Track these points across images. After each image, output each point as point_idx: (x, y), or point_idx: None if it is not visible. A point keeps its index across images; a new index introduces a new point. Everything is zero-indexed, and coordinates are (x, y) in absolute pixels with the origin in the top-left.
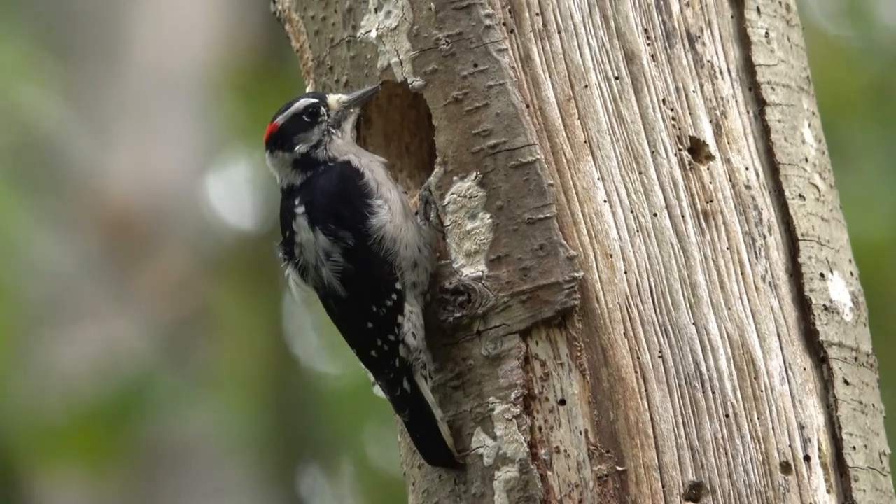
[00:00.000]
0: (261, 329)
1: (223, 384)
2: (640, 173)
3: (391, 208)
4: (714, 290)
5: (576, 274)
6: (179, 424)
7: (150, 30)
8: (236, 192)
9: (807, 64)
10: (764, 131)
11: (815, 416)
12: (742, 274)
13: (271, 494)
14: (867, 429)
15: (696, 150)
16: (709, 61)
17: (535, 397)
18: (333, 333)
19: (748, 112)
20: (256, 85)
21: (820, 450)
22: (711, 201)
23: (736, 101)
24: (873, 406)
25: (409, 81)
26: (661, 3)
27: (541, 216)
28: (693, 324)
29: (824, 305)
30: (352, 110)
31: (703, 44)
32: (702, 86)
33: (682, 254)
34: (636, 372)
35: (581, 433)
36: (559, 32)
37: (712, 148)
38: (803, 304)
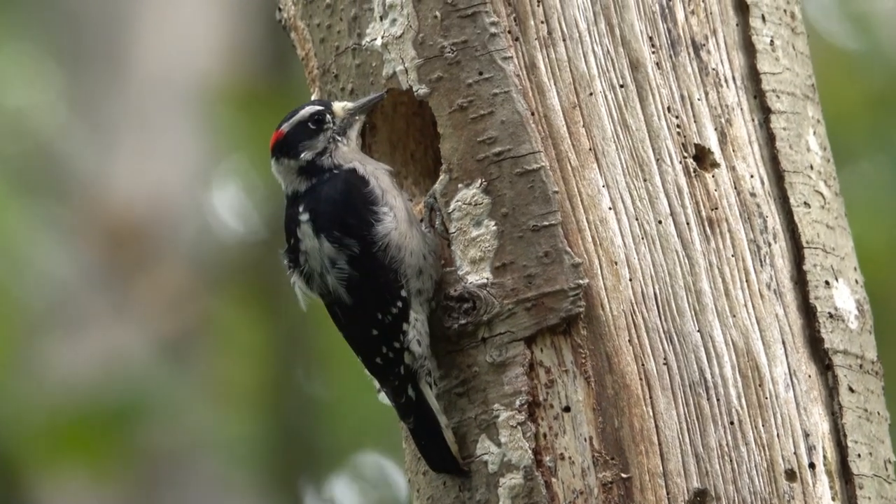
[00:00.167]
0: (262, 337)
1: (224, 392)
2: (645, 181)
3: (396, 216)
4: (719, 297)
5: (581, 281)
6: (180, 432)
7: (153, 38)
8: (238, 201)
9: (812, 72)
10: (769, 139)
11: (820, 424)
12: (747, 281)
13: (272, 503)
14: (872, 436)
15: (701, 157)
16: (714, 69)
17: (540, 404)
18: (336, 341)
19: (753, 120)
20: (259, 94)
21: (825, 457)
22: (716, 209)
23: (741, 108)
24: (878, 413)
25: (414, 89)
26: (666, 11)
27: (546, 223)
28: (698, 331)
29: (829, 313)
30: (357, 118)
31: (708, 52)
32: (707, 93)
33: (686, 261)
34: (641, 379)
35: (586, 440)
36: (564, 40)
37: (717, 155)
38: (808, 312)
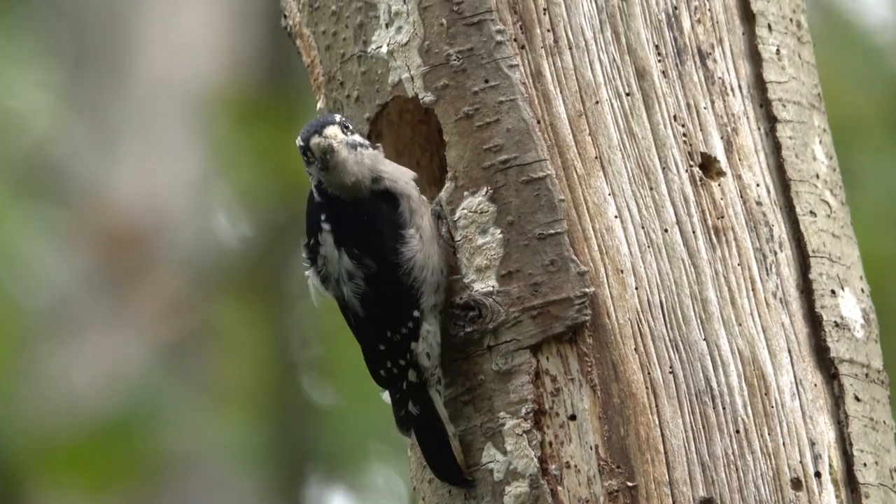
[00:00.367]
0: (263, 342)
1: (226, 398)
2: (651, 189)
3: (422, 237)
4: (725, 306)
5: (586, 289)
6: (181, 438)
7: (155, 44)
8: (237, 206)
9: (818, 81)
10: (775, 148)
11: (826, 433)
12: (753, 290)
13: None
14: (878, 445)
15: (707, 166)
16: (720, 78)
17: (546, 412)
18: (339, 344)
19: (759, 129)
20: (259, 100)
21: (831, 466)
22: (722, 217)
23: (747, 117)
24: (884, 422)
25: (420, 97)
26: (673, 19)
27: (552, 232)
28: (704, 339)
29: (835, 322)
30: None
31: (715, 60)
32: (713, 102)
33: (692, 270)
34: (647, 387)
35: (591, 448)
36: (570, 48)
37: (723, 164)
38: (814, 321)
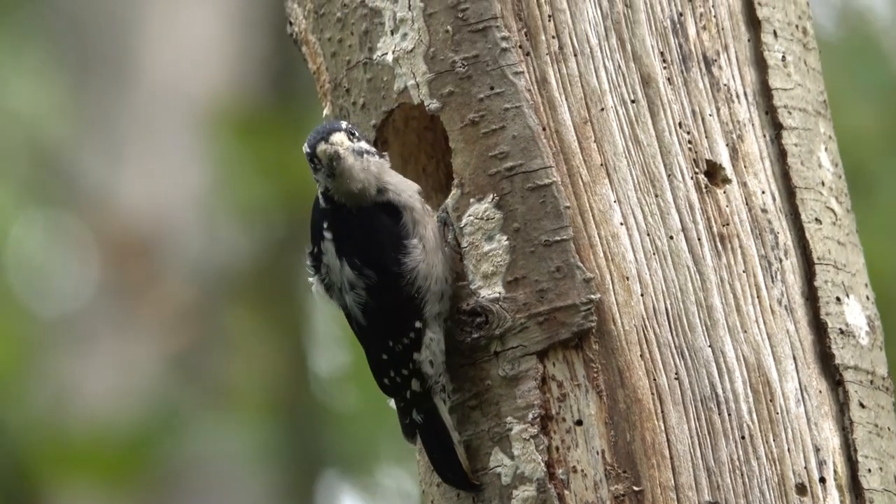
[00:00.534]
0: (275, 346)
1: (237, 402)
2: (657, 196)
3: (425, 246)
4: (730, 312)
5: (592, 296)
6: (196, 442)
7: (160, 51)
8: (245, 213)
9: (823, 88)
10: (780, 155)
11: (831, 439)
12: (758, 297)
13: None
14: (882, 451)
15: (713, 173)
16: (725, 85)
17: (553, 417)
18: (347, 349)
19: (764, 136)
20: (264, 107)
21: (835, 472)
22: (727, 225)
23: (752, 124)
24: (889, 429)
25: (425, 104)
26: (678, 26)
27: (557, 238)
28: (709, 346)
29: (840, 329)
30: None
31: (720, 67)
32: (718, 109)
33: (698, 277)
34: (652, 393)
35: (598, 453)
36: (575, 55)
37: (728, 171)
38: (819, 328)
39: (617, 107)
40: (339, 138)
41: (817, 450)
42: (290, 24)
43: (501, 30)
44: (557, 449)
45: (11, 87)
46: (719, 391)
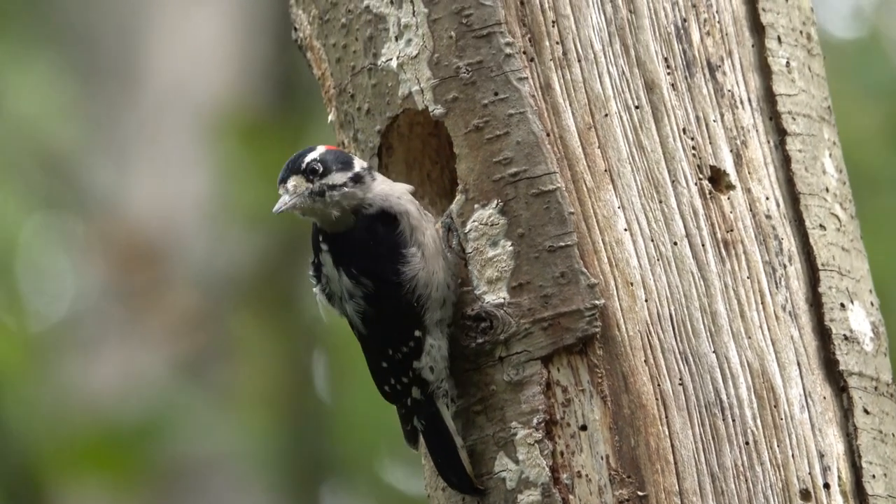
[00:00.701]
0: (278, 350)
1: (242, 405)
2: (661, 202)
3: (424, 254)
4: (734, 318)
5: (597, 301)
6: (198, 445)
7: (167, 58)
8: (251, 218)
9: (828, 94)
10: (784, 161)
11: (835, 445)
12: (762, 303)
13: None
14: (887, 457)
15: (717, 179)
16: (729, 90)
17: (557, 422)
18: (353, 350)
19: (769, 142)
20: (268, 114)
21: (839, 478)
22: (732, 231)
23: (756, 130)
24: (893, 435)
25: (430, 109)
26: (682, 32)
27: (562, 244)
28: (713, 352)
29: (844, 335)
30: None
31: (724, 73)
32: (722, 115)
33: (702, 283)
34: (657, 399)
35: (602, 458)
36: (579, 61)
37: (733, 177)
38: (823, 334)
39: (621, 112)
40: (293, 184)
41: (821, 456)
42: (295, 29)
43: (505, 35)
44: (562, 454)
45: (19, 92)
46: (723, 397)
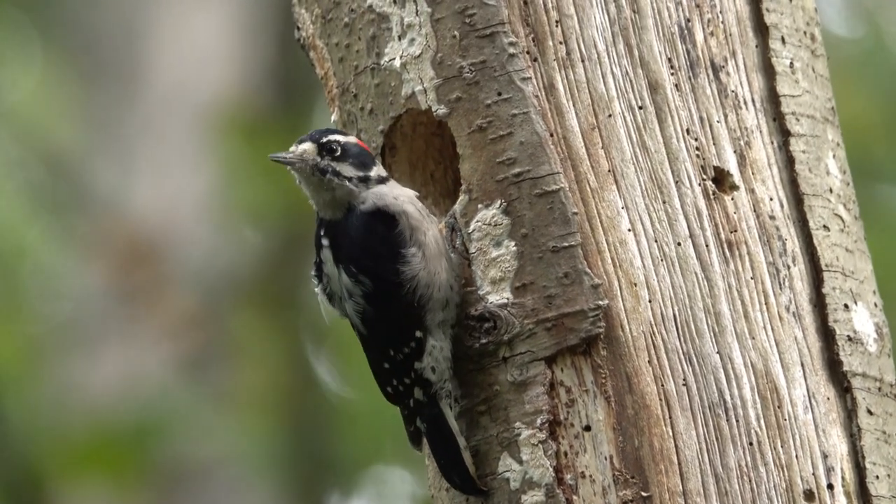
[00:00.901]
0: (279, 351)
1: (244, 405)
2: (664, 203)
3: (425, 254)
4: (738, 319)
5: (600, 302)
6: (200, 446)
7: (169, 58)
8: (252, 218)
9: (832, 94)
10: (788, 162)
11: (839, 445)
12: (766, 304)
13: None
14: (890, 458)
15: (721, 180)
16: (733, 91)
17: (561, 423)
18: (354, 351)
19: (772, 142)
20: (270, 113)
21: (843, 478)
22: (735, 231)
23: (760, 131)
24: None
25: (433, 109)
26: (685, 32)
27: (565, 244)
28: (717, 352)
29: (848, 336)
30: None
31: (728, 73)
32: (726, 116)
33: (706, 283)
34: (660, 399)
35: (606, 459)
36: (583, 61)
37: (736, 178)
38: (827, 335)
39: (624, 113)
40: (303, 148)
41: (825, 456)
42: (298, 29)
43: (509, 35)
44: (566, 454)
45: (22, 92)
46: (727, 397)
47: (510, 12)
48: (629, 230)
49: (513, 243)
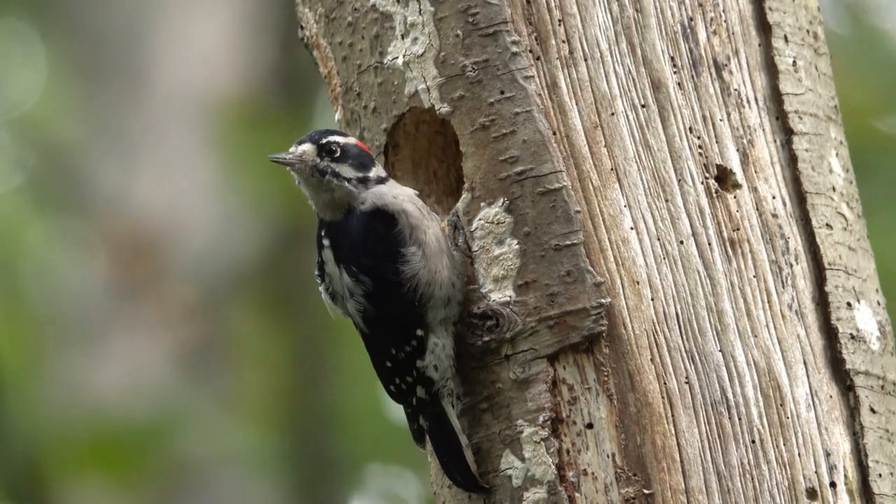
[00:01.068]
0: (283, 349)
1: (243, 404)
2: (667, 201)
3: (425, 252)
4: (741, 317)
5: (603, 300)
6: (201, 445)
7: (172, 56)
8: (253, 214)
9: (834, 93)
10: (791, 160)
11: (842, 444)
12: (769, 302)
13: None
14: (893, 456)
15: (723, 178)
16: (736, 90)
17: (563, 421)
18: (355, 350)
19: (775, 141)
20: (272, 111)
21: (846, 476)
22: (738, 230)
23: (763, 129)
24: None
25: (436, 108)
26: (688, 31)
27: (568, 243)
28: (720, 351)
29: (851, 334)
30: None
31: (730, 72)
32: (729, 114)
33: (708, 281)
34: (663, 397)
35: (608, 456)
36: (586, 60)
37: (739, 176)
38: (830, 333)
39: (627, 111)
40: (302, 149)
41: (828, 454)
42: (302, 28)
43: (511, 34)
44: (568, 452)
45: (25, 89)
46: (730, 395)
47: (513, 11)
48: (632, 228)
49: (515, 241)
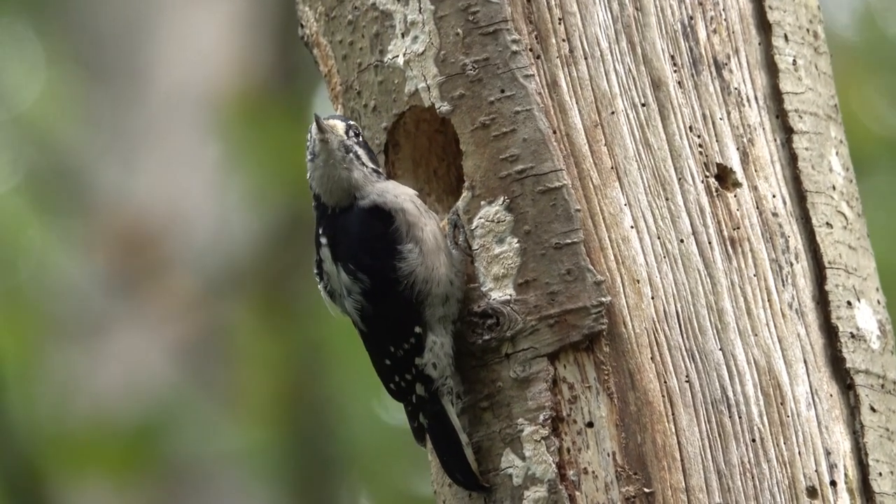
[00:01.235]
0: (281, 347)
1: (242, 401)
2: (667, 200)
3: (422, 249)
4: (741, 316)
5: (603, 299)
6: (200, 442)
7: (171, 54)
8: (253, 210)
9: (834, 92)
10: (791, 159)
11: (842, 442)
12: (769, 301)
13: None
14: (893, 455)
15: (723, 177)
16: (736, 88)
17: (564, 419)
18: (355, 348)
19: (775, 140)
20: (271, 108)
21: (846, 475)
22: (738, 228)
23: (763, 128)
24: None
25: (436, 106)
26: (688, 29)
27: (568, 241)
28: (720, 349)
29: (851, 333)
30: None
31: (731, 71)
32: (729, 113)
33: (708, 280)
34: (663, 396)
35: (609, 455)
36: (586, 59)
37: (739, 175)
38: (830, 332)
39: (627, 110)
40: (333, 123)
41: (828, 453)
42: (302, 26)
43: (512, 33)
44: (568, 450)
45: (25, 88)
46: (730, 394)
47: (513, 10)
48: (632, 227)
49: (515, 240)
